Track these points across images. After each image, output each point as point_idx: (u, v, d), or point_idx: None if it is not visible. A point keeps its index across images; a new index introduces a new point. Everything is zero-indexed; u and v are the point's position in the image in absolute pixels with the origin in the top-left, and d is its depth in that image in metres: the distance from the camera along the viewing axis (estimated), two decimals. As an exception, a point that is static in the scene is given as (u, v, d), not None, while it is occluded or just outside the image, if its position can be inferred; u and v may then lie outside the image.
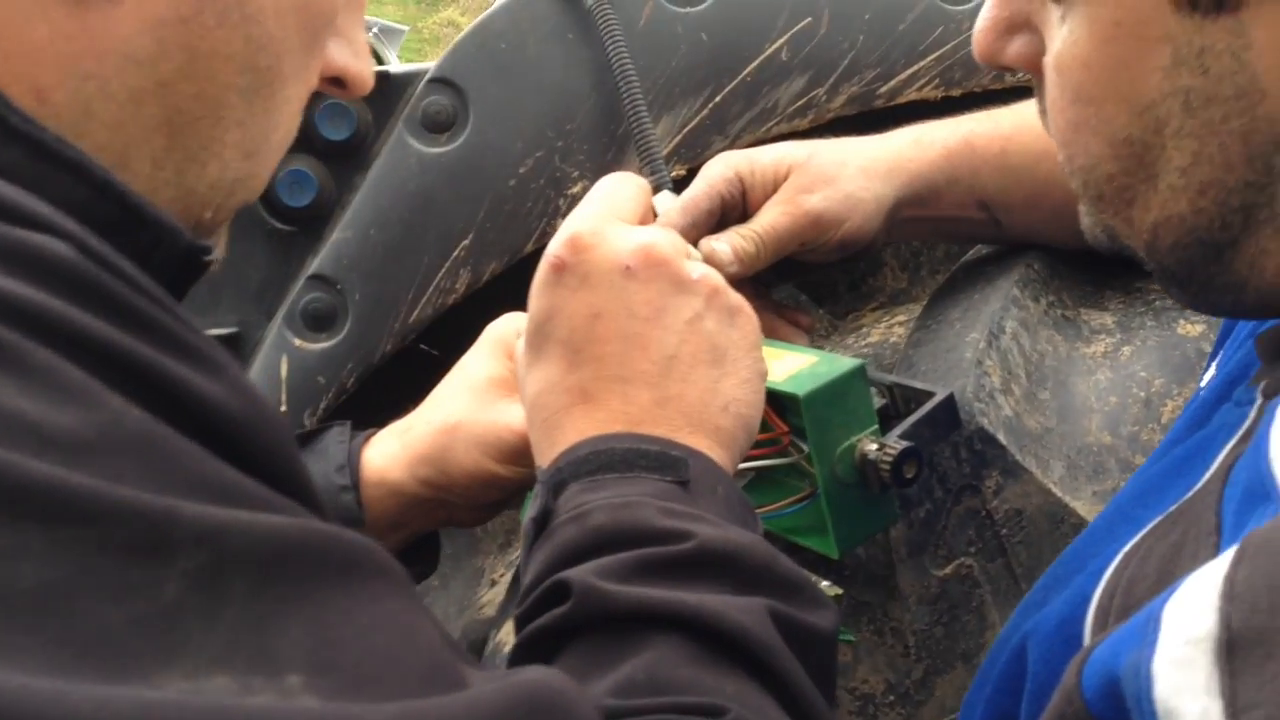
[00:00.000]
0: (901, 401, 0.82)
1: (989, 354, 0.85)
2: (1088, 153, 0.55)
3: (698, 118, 0.99)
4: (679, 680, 0.52)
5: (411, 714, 0.36)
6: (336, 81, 0.61)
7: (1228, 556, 0.38)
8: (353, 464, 0.85)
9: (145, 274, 0.43)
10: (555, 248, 0.69)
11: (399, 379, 0.98)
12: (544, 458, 0.67)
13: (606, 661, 0.54)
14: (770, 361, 0.80)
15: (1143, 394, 0.87)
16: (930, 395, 0.80)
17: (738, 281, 0.87)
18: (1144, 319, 0.92)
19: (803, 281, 1.12)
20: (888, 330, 1.04)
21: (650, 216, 0.75)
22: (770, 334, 0.88)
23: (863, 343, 1.03)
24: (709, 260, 0.83)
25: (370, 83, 0.62)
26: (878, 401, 0.82)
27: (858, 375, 0.77)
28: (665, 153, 0.99)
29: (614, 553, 0.57)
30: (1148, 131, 0.52)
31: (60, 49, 0.48)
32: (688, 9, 0.99)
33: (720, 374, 0.68)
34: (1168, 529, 0.50)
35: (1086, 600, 0.52)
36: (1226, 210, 0.52)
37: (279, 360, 0.97)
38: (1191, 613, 0.37)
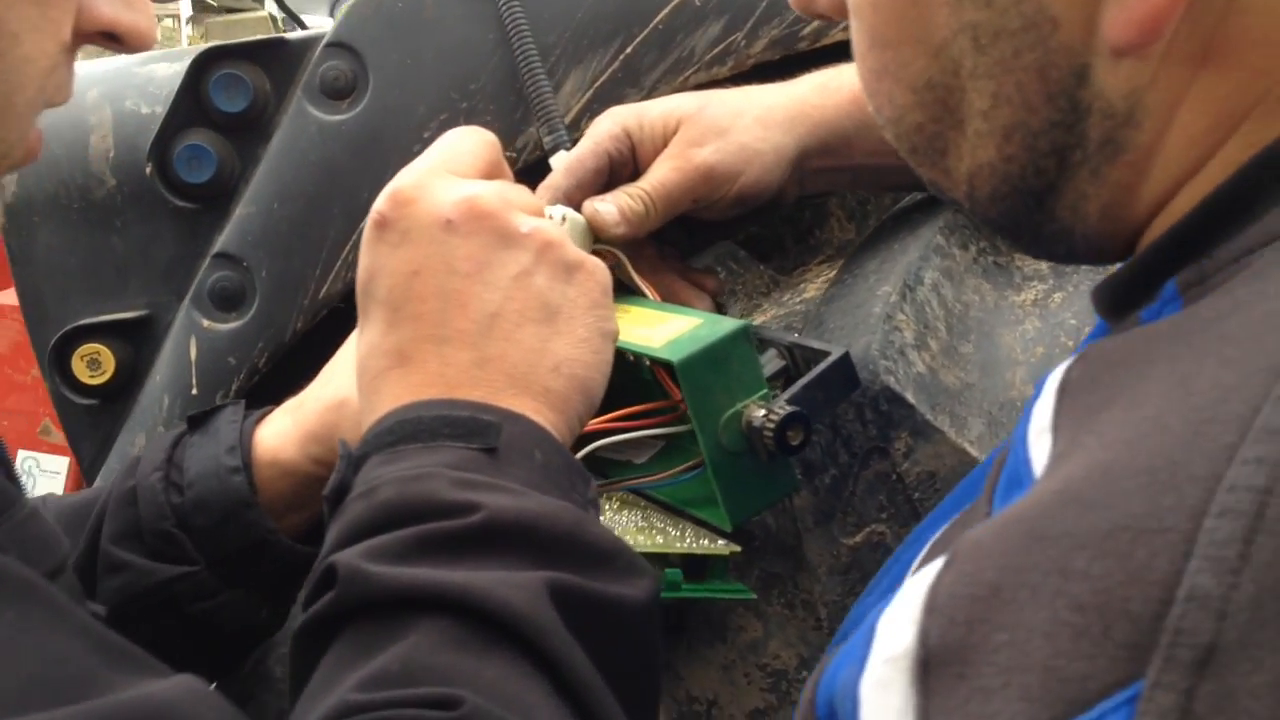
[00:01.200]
0: (802, 362, 0.77)
1: (902, 307, 0.81)
2: (893, 102, 0.51)
3: (608, 71, 0.95)
4: (433, 668, 0.49)
5: None
6: (108, 37, 0.58)
7: (939, 563, 0.34)
8: (244, 445, 0.83)
9: None
10: (378, 203, 0.66)
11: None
12: (365, 426, 0.64)
13: (368, 650, 0.51)
14: (655, 326, 0.76)
15: (1071, 343, 0.82)
16: (828, 355, 0.75)
17: (638, 243, 0.83)
18: (1079, 262, 0.86)
19: (748, 236, 1.07)
20: (824, 285, 0.99)
21: (500, 171, 0.71)
22: (670, 297, 0.84)
23: (799, 299, 0.98)
24: (592, 222, 0.79)
25: (151, 35, 0.59)
26: (778, 364, 0.78)
27: (740, 338, 0.73)
28: (577, 109, 0.95)
29: (395, 529, 0.54)
30: (946, 74, 0.48)
31: None
32: (591, -44, 0.94)
33: (551, 332, 0.64)
34: (969, 515, 0.46)
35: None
36: (1037, 155, 0.47)
37: (188, 342, 0.95)
38: (895, 627, 0.33)
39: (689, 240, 0.90)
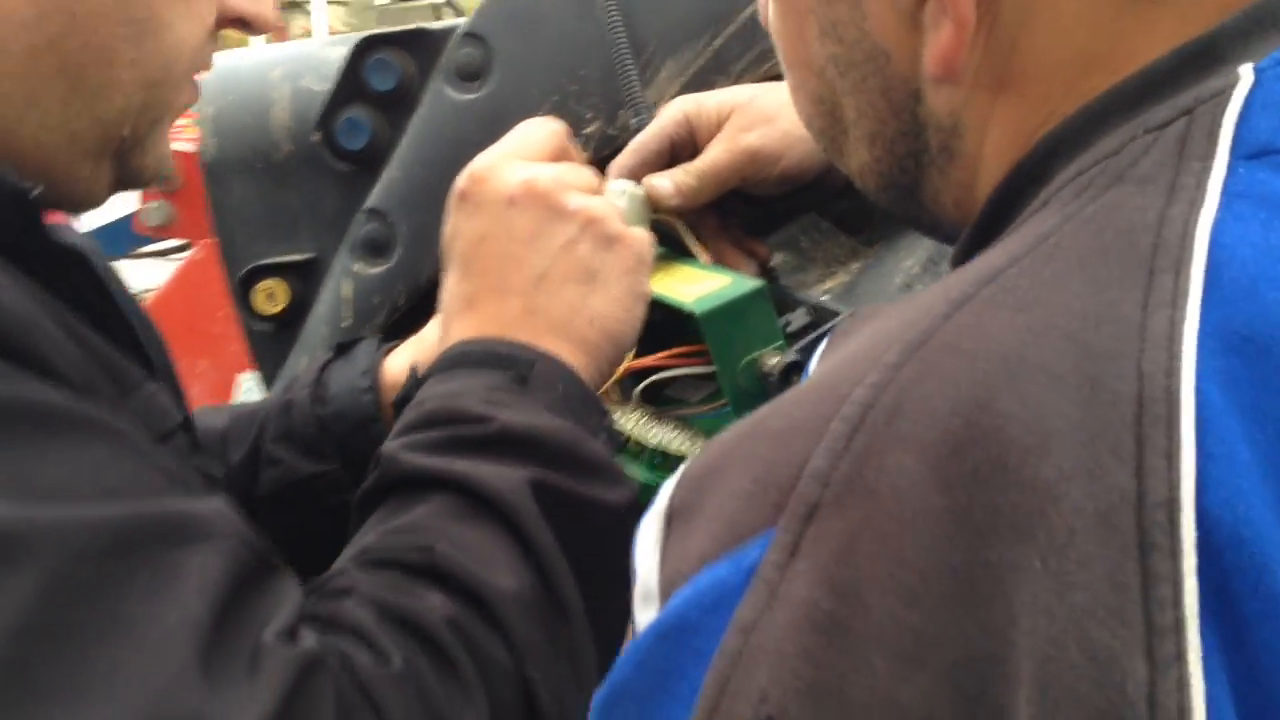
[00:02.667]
0: (824, 321, 0.90)
1: (922, 279, 0.92)
2: (803, 111, 0.63)
3: (700, 60, 1.08)
4: (429, 528, 0.65)
5: (53, 516, 0.51)
6: (240, 23, 0.75)
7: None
8: (374, 370, 1.01)
9: None
10: (459, 180, 0.82)
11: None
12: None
13: (393, 514, 0.68)
14: (697, 283, 0.90)
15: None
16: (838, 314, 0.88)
17: (700, 213, 0.97)
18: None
19: (841, 210, 1.19)
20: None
21: (566, 155, 0.87)
22: (720, 260, 0.97)
23: (866, 269, 1.10)
24: (651, 195, 0.94)
25: (271, 22, 0.76)
26: (805, 320, 0.91)
27: (759, 295, 0.86)
28: (672, 93, 1.09)
29: (429, 430, 0.71)
30: (828, 91, 0.60)
31: None
32: (688, -39, 1.08)
33: (589, 291, 0.80)
34: None
35: None
36: (896, 157, 0.59)
37: (342, 283, 1.14)
38: (664, 492, 0.48)
39: (749, 212, 1.03)
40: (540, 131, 0.86)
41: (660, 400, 0.97)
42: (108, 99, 0.68)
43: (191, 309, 2.03)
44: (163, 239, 2.47)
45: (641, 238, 0.84)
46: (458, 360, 0.77)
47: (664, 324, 0.95)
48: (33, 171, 0.68)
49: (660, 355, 0.92)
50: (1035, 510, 0.38)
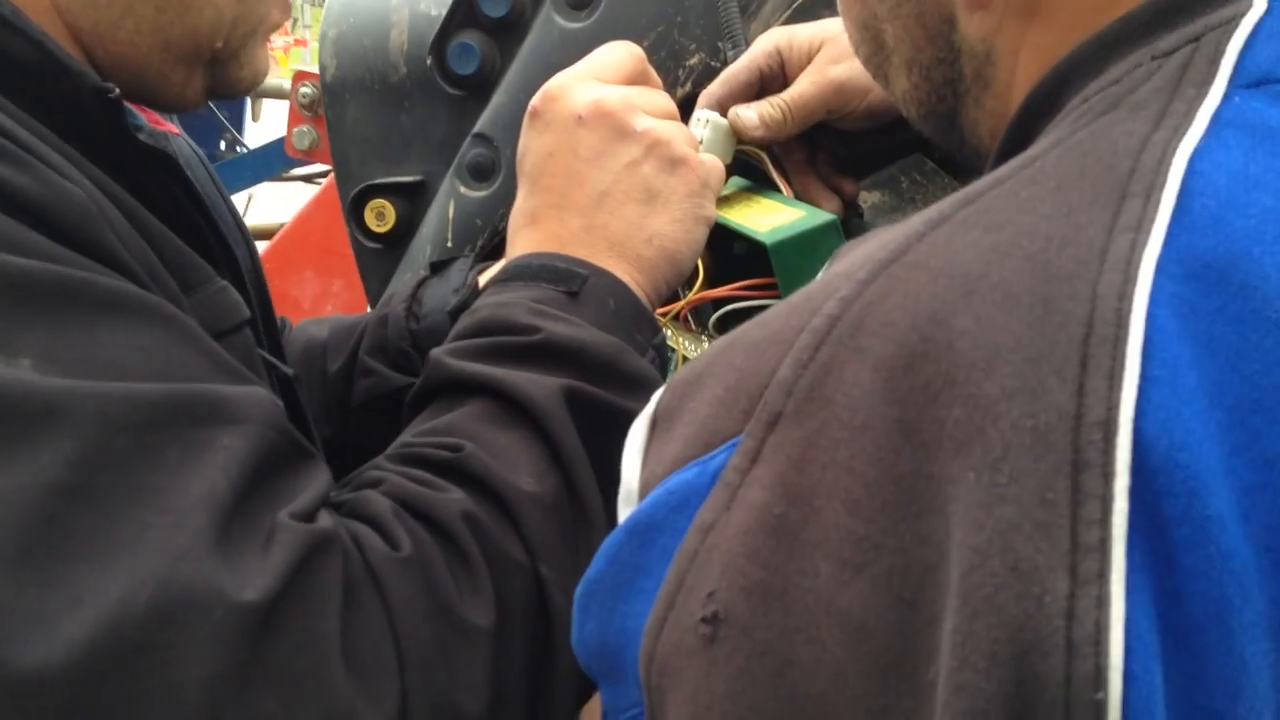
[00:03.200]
0: (900, 258, 0.90)
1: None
2: (851, 36, 0.64)
3: (807, -7, 1.08)
4: (463, 429, 0.68)
5: (95, 388, 0.54)
6: None
7: None
8: (467, 288, 1.04)
9: (67, 105, 0.62)
10: (534, 98, 0.84)
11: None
12: None
13: (435, 414, 0.70)
14: (773, 215, 0.91)
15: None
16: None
17: (788, 146, 0.97)
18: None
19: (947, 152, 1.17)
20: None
21: (643, 78, 0.88)
22: (803, 195, 0.98)
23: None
24: (734, 125, 0.94)
25: None
26: (881, 257, 0.91)
27: (831, 229, 0.87)
28: (776, 26, 1.09)
29: (476, 338, 0.73)
30: (870, 16, 0.60)
31: None
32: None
33: (649, 211, 0.81)
34: None
35: None
36: (934, 85, 0.59)
37: (448, 205, 1.17)
38: (653, 398, 0.49)
39: (848, 150, 1.03)
40: (618, 54, 0.87)
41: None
42: (200, 11, 0.72)
43: (328, 231, 2.10)
44: (310, 163, 2.57)
45: (709, 163, 0.85)
46: (514, 273, 0.79)
47: (747, 257, 0.96)
48: (128, 73, 0.73)
49: (734, 286, 0.93)
50: (975, 426, 0.38)
